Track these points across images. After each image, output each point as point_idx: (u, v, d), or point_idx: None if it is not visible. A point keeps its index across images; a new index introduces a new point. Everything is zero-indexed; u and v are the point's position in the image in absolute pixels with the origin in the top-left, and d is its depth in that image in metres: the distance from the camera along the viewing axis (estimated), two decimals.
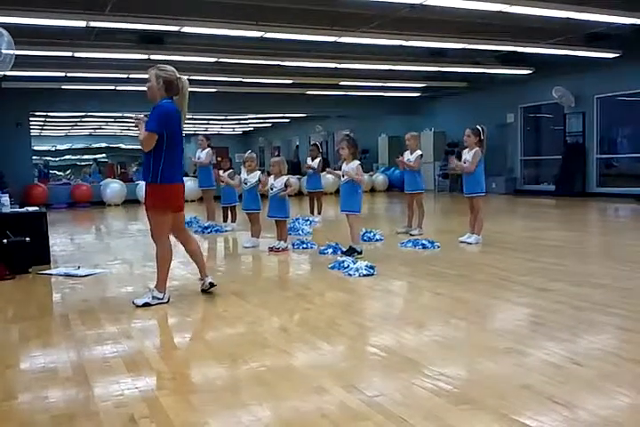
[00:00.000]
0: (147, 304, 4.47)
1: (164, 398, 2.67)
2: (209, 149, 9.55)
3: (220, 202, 9.31)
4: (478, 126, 7.17)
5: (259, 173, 7.47)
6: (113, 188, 16.76)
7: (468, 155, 7.17)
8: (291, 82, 15.54)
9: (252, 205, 7.45)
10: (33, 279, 5.77)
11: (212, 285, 4.78)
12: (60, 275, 5.85)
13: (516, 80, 15.24)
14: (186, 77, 4.51)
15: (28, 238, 5.98)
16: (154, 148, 4.34)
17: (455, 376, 2.82)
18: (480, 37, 11.07)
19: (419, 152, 8.08)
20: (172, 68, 4.46)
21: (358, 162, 6.39)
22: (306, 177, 11.04)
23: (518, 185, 16.31)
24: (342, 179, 6.46)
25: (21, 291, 5.30)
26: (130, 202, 16.46)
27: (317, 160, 10.17)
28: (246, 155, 7.72)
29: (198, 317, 4.31)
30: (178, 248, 4.90)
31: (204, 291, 4.82)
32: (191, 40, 10.66)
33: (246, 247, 7.36)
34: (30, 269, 5.98)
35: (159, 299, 4.53)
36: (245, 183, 7.47)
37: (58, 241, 8.36)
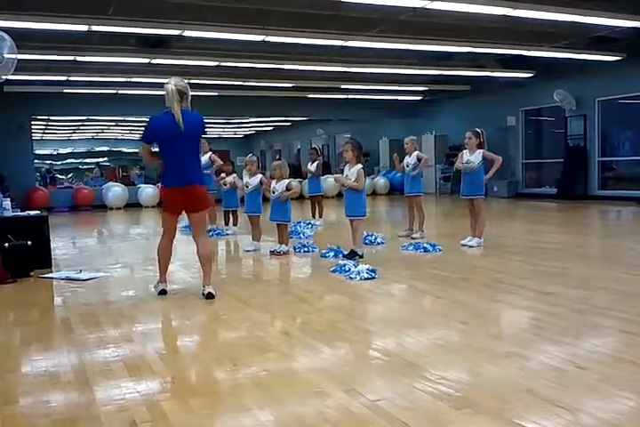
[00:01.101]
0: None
1: (165, 403, 2.66)
2: (210, 152, 9.55)
3: (222, 205, 9.31)
4: (477, 129, 7.20)
5: (260, 176, 7.48)
6: (115, 191, 16.76)
7: (471, 157, 7.17)
8: (292, 85, 15.56)
9: (253, 208, 7.47)
10: (34, 283, 5.77)
11: (209, 296, 4.72)
12: (62, 279, 5.84)
13: (517, 83, 15.24)
14: (171, 81, 4.61)
15: (29, 242, 5.99)
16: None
17: (457, 380, 2.82)
18: (484, 41, 11.07)
19: (415, 153, 8.06)
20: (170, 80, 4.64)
21: (361, 166, 6.38)
22: (307, 181, 11.07)
23: (520, 188, 16.30)
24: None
25: (23, 295, 5.30)
26: (131, 205, 16.47)
27: (316, 164, 10.18)
28: (247, 158, 7.74)
29: (199, 320, 4.31)
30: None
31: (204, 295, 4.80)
32: (193, 44, 10.67)
33: (247, 251, 7.37)
34: (32, 273, 5.98)
35: (154, 289, 4.95)
36: (247, 186, 7.50)
37: (59, 245, 8.37)
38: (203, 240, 4.86)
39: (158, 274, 4.98)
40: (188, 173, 4.67)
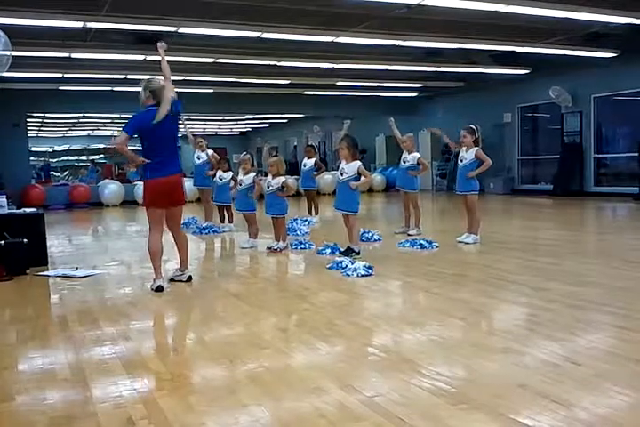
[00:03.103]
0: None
1: (162, 399, 2.67)
2: (211, 150, 9.51)
3: (214, 201, 9.21)
4: (472, 125, 7.19)
5: (253, 174, 7.46)
6: (111, 188, 16.74)
7: (466, 154, 7.17)
8: (288, 82, 15.54)
9: (247, 206, 7.44)
10: (31, 281, 5.76)
11: (189, 279, 5.24)
12: (58, 276, 5.84)
13: (513, 80, 15.26)
14: (143, 83, 5.04)
15: (25, 240, 5.99)
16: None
17: (453, 376, 2.83)
18: (477, 37, 11.09)
19: (417, 155, 8.08)
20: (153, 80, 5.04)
21: (360, 163, 6.35)
22: (301, 176, 11.06)
23: (516, 185, 16.33)
24: (341, 177, 6.43)
25: (19, 292, 5.30)
26: (128, 203, 16.44)
27: (312, 160, 10.18)
28: (240, 156, 7.78)
29: (196, 317, 4.31)
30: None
31: (172, 280, 5.22)
32: (188, 41, 10.64)
33: (244, 248, 7.36)
34: (28, 271, 5.97)
35: (151, 287, 4.98)
36: (240, 184, 7.48)
37: (56, 242, 8.36)
38: (179, 231, 5.27)
39: (153, 271, 5.02)
40: (170, 164, 4.94)
